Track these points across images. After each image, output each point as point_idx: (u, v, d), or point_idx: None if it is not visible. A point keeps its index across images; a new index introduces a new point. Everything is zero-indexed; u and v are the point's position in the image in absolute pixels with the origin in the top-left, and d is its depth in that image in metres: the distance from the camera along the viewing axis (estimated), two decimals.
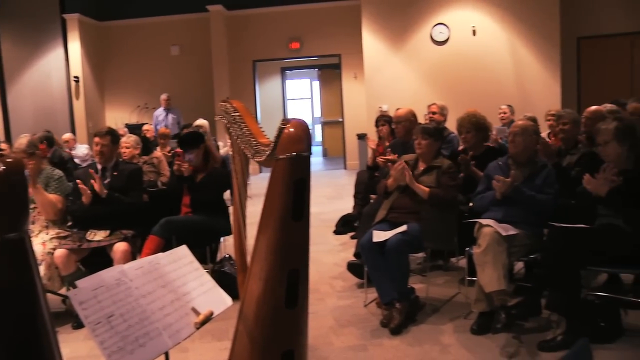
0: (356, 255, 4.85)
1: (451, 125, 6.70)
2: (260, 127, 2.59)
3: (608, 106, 5.83)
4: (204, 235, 4.71)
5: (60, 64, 12.75)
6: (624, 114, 5.13)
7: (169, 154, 6.89)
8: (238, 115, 2.58)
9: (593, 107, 5.56)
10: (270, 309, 2.42)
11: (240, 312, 2.53)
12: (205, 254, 4.89)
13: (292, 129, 2.32)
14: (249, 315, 2.47)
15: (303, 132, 2.34)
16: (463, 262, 4.62)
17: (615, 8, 11.08)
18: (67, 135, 9.85)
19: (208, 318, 2.36)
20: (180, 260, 2.52)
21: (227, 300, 2.55)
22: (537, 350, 3.58)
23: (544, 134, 6.11)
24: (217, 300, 2.51)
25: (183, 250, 2.58)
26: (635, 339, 3.68)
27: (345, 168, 13.12)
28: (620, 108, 5.73)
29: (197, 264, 2.58)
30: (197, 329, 2.32)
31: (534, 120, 6.01)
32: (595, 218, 3.82)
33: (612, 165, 3.68)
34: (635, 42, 11.16)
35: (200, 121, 8.12)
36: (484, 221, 3.95)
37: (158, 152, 7.04)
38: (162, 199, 5.15)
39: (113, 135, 4.73)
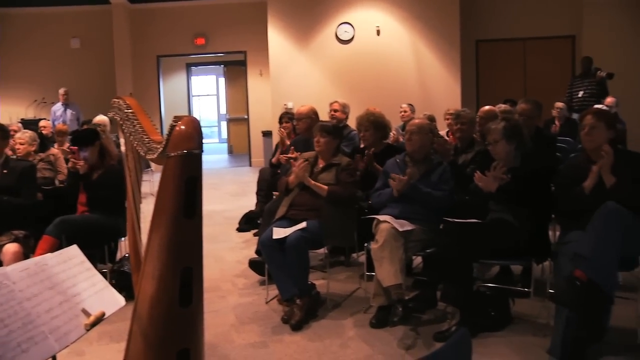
0: (258, 252, 4.84)
1: (353, 123, 6.82)
2: (154, 124, 2.55)
3: (502, 106, 6.11)
4: (101, 235, 4.57)
5: None
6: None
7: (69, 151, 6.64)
8: (131, 112, 2.53)
9: (486, 107, 5.80)
10: (164, 307, 2.39)
11: (134, 312, 2.48)
12: (103, 253, 4.75)
13: (183, 127, 2.30)
14: (143, 315, 2.43)
15: (194, 130, 2.32)
16: (363, 257, 4.72)
17: (510, 14, 11.59)
18: None
19: (99, 319, 2.29)
20: (71, 261, 2.43)
21: (120, 300, 2.49)
22: (433, 341, 3.71)
23: (443, 132, 6.34)
24: (109, 300, 2.45)
25: (73, 250, 2.50)
26: (522, 326, 3.87)
27: (250, 165, 13.08)
28: (513, 108, 6.00)
29: (88, 264, 2.50)
30: (87, 330, 2.25)
31: (432, 119, 6.23)
32: (487, 213, 3.99)
33: (502, 164, 3.86)
34: (527, 47, 11.72)
35: (100, 117, 7.87)
36: (381, 217, 4.05)
37: (55, 149, 6.76)
38: (59, 198, 4.96)
39: (1, 131, 4.52)
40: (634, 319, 3.69)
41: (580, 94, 8.94)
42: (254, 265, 4.93)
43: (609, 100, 8.17)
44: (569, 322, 3.31)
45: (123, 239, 4.94)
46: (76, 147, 4.70)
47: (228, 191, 9.90)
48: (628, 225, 3.24)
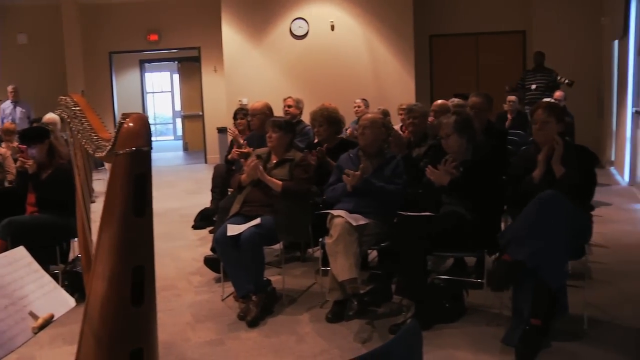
0: (213, 249, 4.81)
1: (308, 118, 6.83)
2: (104, 122, 2.51)
3: (455, 100, 6.19)
4: (51, 235, 4.48)
5: None
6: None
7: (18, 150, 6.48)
8: (79, 110, 2.49)
9: (439, 101, 5.87)
10: (115, 307, 2.36)
11: (85, 313, 2.45)
12: (55, 254, 4.66)
13: (131, 124, 2.28)
14: (94, 316, 2.40)
15: (142, 127, 2.30)
16: (319, 252, 4.73)
17: (463, 9, 11.74)
18: None
19: (48, 322, 2.24)
20: (17, 263, 2.37)
21: (70, 301, 2.44)
22: (388, 334, 3.74)
23: (397, 126, 6.39)
24: (58, 302, 2.40)
25: (20, 252, 2.44)
26: (476, 316, 3.94)
27: (205, 162, 12.96)
28: (465, 102, 6.08)
29: (36, 265, 2.44)
30: (35, 334, 2.20)
31: (386, 113, 6.26)
32: (440, 207, 4.05)
33: (452, 157, 3.92)
34: (480, 41, 11.90)
35: (50, 116, 7.69)
36: (335, 212, 4.07)
37: (2, 149, 6.60)
38: (8, 199, 4.84)
39: None
40: (581, 306, 3.80)
41: (533, 87, 9.12)
42: (209, 262, 4.90)
43: (558, 94, 8.36)
44: (522, 312, 3.42)
45: (75, 239, 4.86)
46: (25, 146, 4.61)
47: (183, 188, 9.82)
48: (568, 211, 3.34)
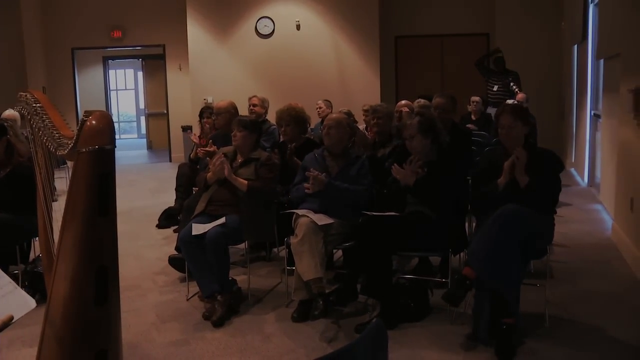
0: (177, 249, 4.77)
1: (273, 117, 6.81)
2: (65, 120, 2.47)
3: (422, 101, 6.23)
4: (9, 235, 4.37)
5: None
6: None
7: None
8: (39, 107, 2.44)
9: (403, 102, 5.91)
10: (78, 308, 2.32)
11: (47, 314, 2.40)
12: (15, 254, 4.56)
13: (94, 121, 2.24)
14: (56, 317, 2.35)
15: (106, 125, 2.26)
16: (284, 252, 4.72)
17: (428, 11, 11.84)
18: None
19: (7, 323, 2.20)
20: None
21: (31, 302, 2.39)
22: (354, 333, 3.76)
23: (362, 127, 6.42)
24: (18, 303, 2.35)
25: None
26: (441, 315, 3.98)
27: (170, 161, 12.83)
28: (430, 103, 6.13)
29: None
30: None
31: (349, 114, 6.28)
32: (405, 206, 4.08)
33: (418, 157, 3.95)
34: (444, 43, 12.02)
35: (9, 112, 7.52)
36: (300, 211, 4.07)
37: None
38: None
39: None
40: (543, 304, 3.87)
41: (495, 88, 9.24)
42: (174, 262, 4.86)
43: (520, 96, 8.46)
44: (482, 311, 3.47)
45: (36, 238, 4.76)
46: None
47: (147, 187, 9.71)
48: (528, 226, 3.41)
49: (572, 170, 9.57)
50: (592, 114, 8.18)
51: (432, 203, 3.93)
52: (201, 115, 6.59)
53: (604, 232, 6.03)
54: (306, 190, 4.10)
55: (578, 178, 8.98)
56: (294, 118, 5.06)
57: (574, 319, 3.91)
